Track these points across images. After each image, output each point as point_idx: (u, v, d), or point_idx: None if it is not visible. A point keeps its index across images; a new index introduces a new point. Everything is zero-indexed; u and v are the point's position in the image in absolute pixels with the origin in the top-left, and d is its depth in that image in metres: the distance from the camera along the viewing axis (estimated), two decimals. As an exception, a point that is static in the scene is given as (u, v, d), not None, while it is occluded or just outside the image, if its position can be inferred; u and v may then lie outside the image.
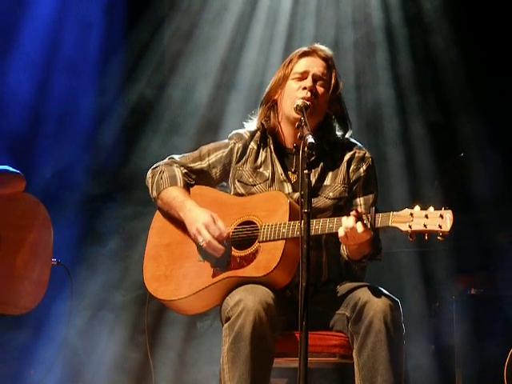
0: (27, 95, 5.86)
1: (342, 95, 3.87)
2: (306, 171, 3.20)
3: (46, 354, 5.26)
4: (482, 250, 5.43)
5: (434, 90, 6.14)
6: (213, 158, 3.92)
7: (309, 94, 3.71)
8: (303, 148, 3.24)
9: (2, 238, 4.45)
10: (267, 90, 3.87)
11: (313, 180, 3.69)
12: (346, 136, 3.85)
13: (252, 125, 3.92)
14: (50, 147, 5.89)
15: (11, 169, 4.57)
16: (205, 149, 3.96)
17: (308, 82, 3.74)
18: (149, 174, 3.98)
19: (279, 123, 3.83)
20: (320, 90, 3.75)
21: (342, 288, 3.66)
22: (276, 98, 3.82)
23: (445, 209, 3.28)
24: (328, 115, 3.82)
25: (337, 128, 3.85)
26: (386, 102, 6.20)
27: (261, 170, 3.83)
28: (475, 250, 5.44)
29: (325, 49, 3.85)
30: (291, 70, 3.79)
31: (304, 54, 3.81)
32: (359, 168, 3.80)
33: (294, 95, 3.73)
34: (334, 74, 3.82)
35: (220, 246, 3.66)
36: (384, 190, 5.69)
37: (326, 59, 3.81)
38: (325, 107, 3.79)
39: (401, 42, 6.20)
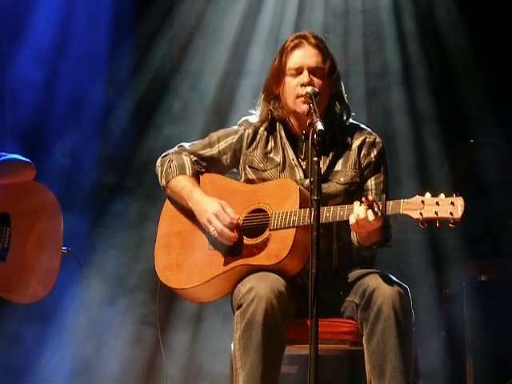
0: (38, 84, 5.86)
1: (340, 74, 3.82)
2: (315, 158, 3.18)
3: (58, 342, 5.28)
4: (492, 236, 5.44)
5: (444, 73, 6.13)
6: (223, 144, 3.90)
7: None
8: (312, 135, 3.22)
9: (13, 227, 4.47)
10: (266, 81, 3.84)
11: (324, 166, 3.69)
12: (350, 120, 3.84)
13: (257, 114, 3.89)
14: (61, 136, 5.90)
15: (21, 157, 4.58)
16: (214, 135, 3.95)
17: (305, 78, 3.69)
18: (158, 162, 3.97)
19: (287, 114, 3.80)
20: (318, 81, 3.70)
21: (352, 275, 3.66)
22: (277, 92, 3.79)
23: (456, 196, 3.27)
24: (330, 98, 3.79)
25: (338, 108, 3.82)
26: (393, 77, 6.18)
27: (271, 155, 3.82)
28: (486, 235, 5.45)
29: (314, 35, 3.79)
30: (285, 64, 3.74)
31: (295, 47, 3.75)
32: (370, 153, 3.78)
33: (293, 92, 3.70)
34: (328, 59, 3.76)
35: (232, 234, 3.66)
36: (392, 167, 5.69)
37: (316, 46, 3.76)
38: (326, 93, 3.75)
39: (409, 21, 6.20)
